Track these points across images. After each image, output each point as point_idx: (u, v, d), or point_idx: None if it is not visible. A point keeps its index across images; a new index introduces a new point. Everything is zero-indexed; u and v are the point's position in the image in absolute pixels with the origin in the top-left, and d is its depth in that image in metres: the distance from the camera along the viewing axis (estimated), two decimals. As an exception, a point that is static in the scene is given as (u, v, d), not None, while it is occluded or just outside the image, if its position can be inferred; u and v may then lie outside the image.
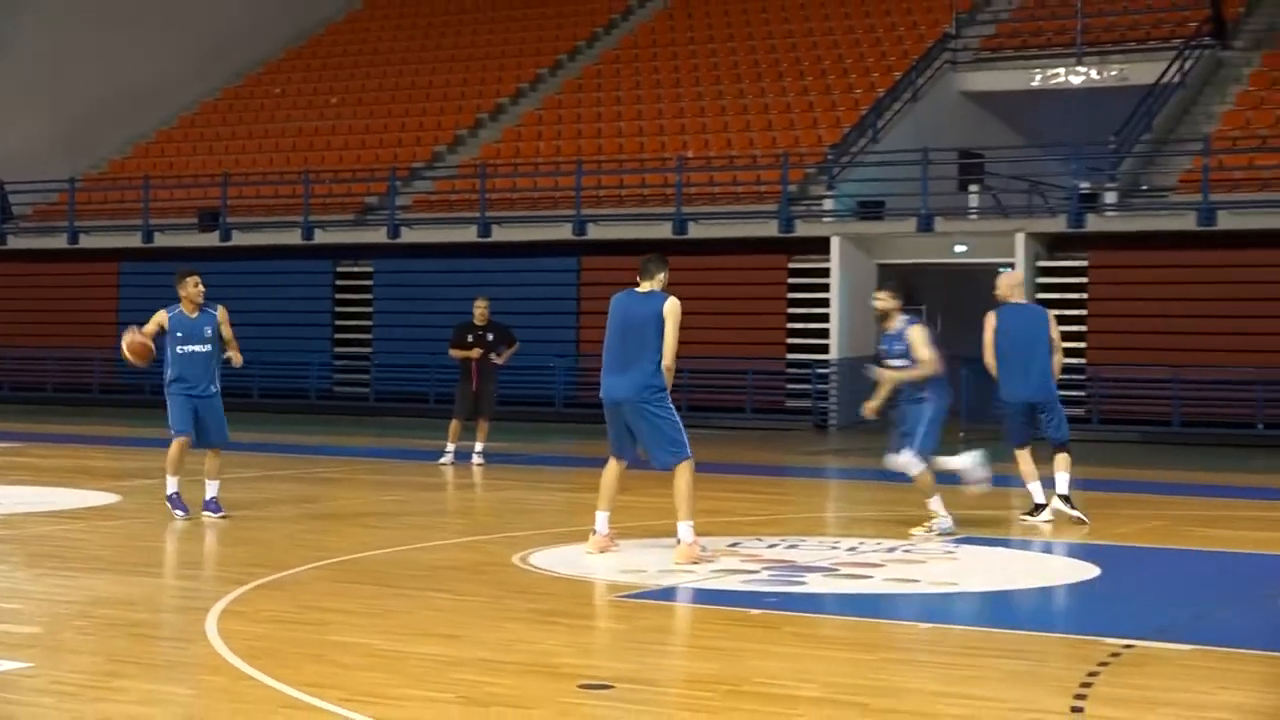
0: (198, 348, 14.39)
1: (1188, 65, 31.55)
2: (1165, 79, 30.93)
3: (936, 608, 10.85)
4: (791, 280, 30.42)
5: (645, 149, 34.11)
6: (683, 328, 12.02)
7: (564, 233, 31.84)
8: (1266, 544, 14.22)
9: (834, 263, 29.48)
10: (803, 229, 30.29)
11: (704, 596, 10.88)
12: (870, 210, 29.88)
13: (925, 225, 28.83)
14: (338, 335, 34.59)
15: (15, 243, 38.23)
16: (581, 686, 7.97)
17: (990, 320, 14.89)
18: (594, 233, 31.66)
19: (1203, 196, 27.41)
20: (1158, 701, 7.78)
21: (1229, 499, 18.34)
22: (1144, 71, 31.73)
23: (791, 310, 30.45)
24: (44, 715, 7.40)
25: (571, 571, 11.86)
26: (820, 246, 29.87)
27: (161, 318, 14.38)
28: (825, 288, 29.72)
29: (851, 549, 13.20)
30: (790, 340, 30.47)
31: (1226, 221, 27.01)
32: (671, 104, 35.79)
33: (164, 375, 14.49)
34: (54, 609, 10.25)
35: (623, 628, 9.73)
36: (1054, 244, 28.83)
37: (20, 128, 39.63)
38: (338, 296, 34.63)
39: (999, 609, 11.03)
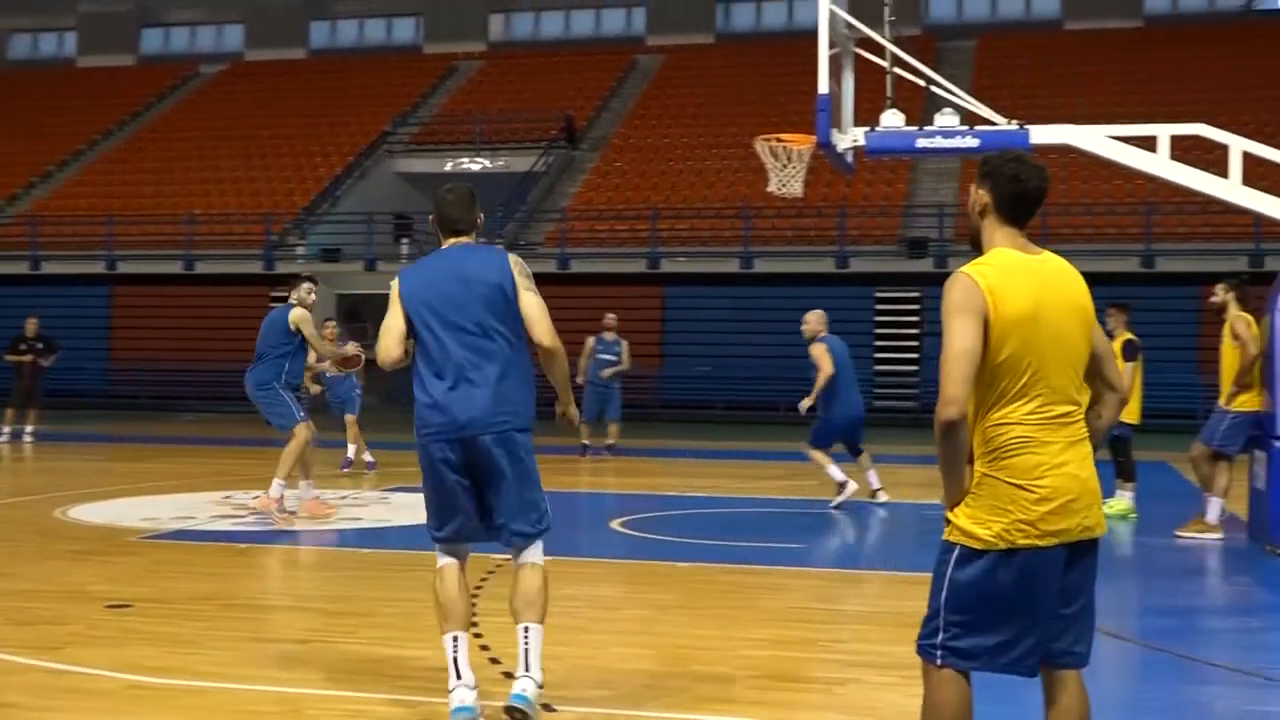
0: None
1: (550, 159, 32.50)
2: (535, 168, 31.77)
3: (376, 537, 10.79)
4: (273, 305, 29.66)
5: (162, 206, 32.58)
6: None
7: (99, 268, 30.10)
8: (589, 485, 14.70)
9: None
10: (281, 267, 29.62)
11: (204, 536, 10.47)
12: (331, 254, 29.44)
13: (370, 266, 28.69)
14: None
15: None
16: (108, 606, 7.55)
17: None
18: (125, 268, 30.07)
19: (561, 249, 28.29)
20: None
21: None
22: (521, 162, 32.47)
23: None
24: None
25: (102, 520, 11.22)
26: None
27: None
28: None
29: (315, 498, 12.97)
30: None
31: (577, 266, 27.98)
32: (182, 170, 34.27)
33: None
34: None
35: (141, 560, 9.26)
36: (460, 280, 29.10)
37: None
38: None
39: (419, 537, 11.04)
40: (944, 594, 3.83)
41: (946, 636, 3.82)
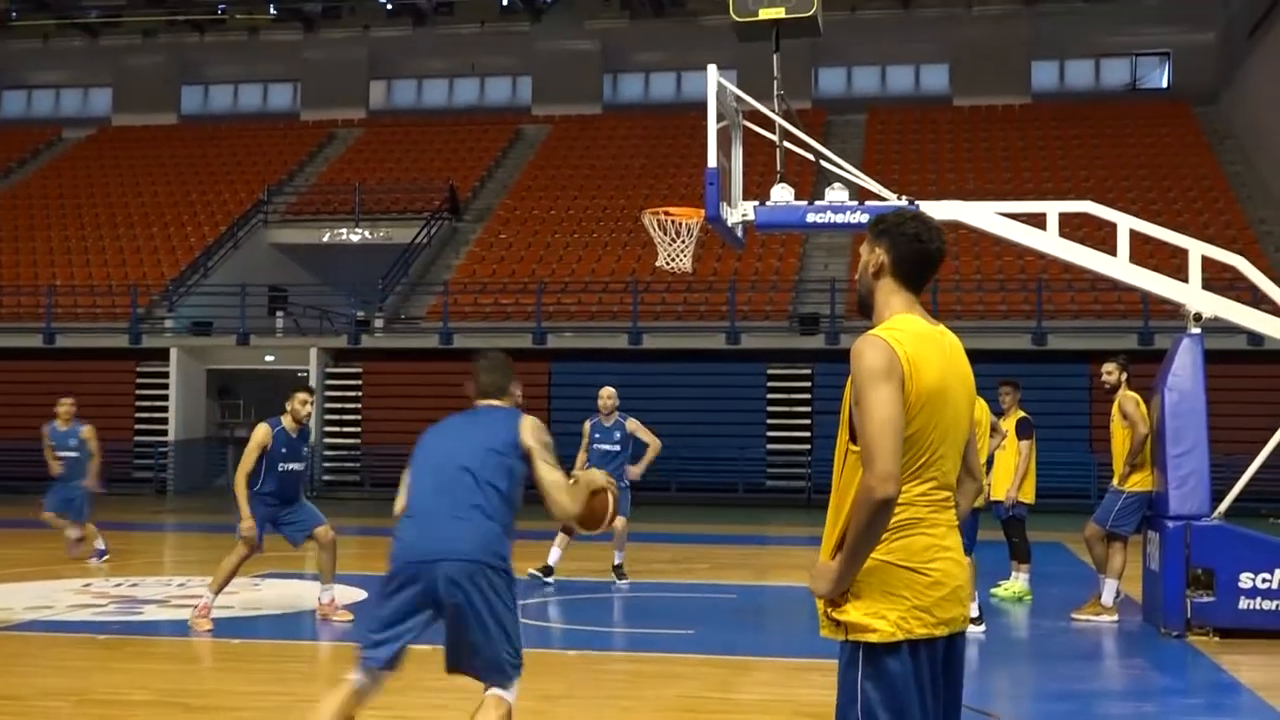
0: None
1: (433, 230, 32.42)
2: (418, 239, 31.65)
3: (245, 627, 10.53)
4: (139, 381, 29.12)
5: (22, 276, 31.89)
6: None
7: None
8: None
9: (172, 368, 28.53)
10: (148, 341, 29.08)
11: (60, 627, 10.14)
12: (201, 328, 28.98)
13: (243, 340, 28.26)
14: None
15: None
16: (-47, 705, 7.27)
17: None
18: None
19: (443, 323, 28.13)
20: (426, 688, 7.81)
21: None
22: (403, 234, 32.29)
23: (139, 404, 29.15)
24: None
25: (-51, 612, 10.82)
26: (163, 355, 28.77)
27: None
28: (166, 387, 28.66)
29: (181, 585, 12.68)
30: (137, 425, 29.08)
31: (460, 341, 27.77)
32: (44, 239, 33.61)
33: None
34: None
35: (-9, 655, 8.93)
36: (338, 356, 28.82)
37: None
38: None
39: (291, 626, 10.83)
40: (859, 705, 3.54)
41: None
